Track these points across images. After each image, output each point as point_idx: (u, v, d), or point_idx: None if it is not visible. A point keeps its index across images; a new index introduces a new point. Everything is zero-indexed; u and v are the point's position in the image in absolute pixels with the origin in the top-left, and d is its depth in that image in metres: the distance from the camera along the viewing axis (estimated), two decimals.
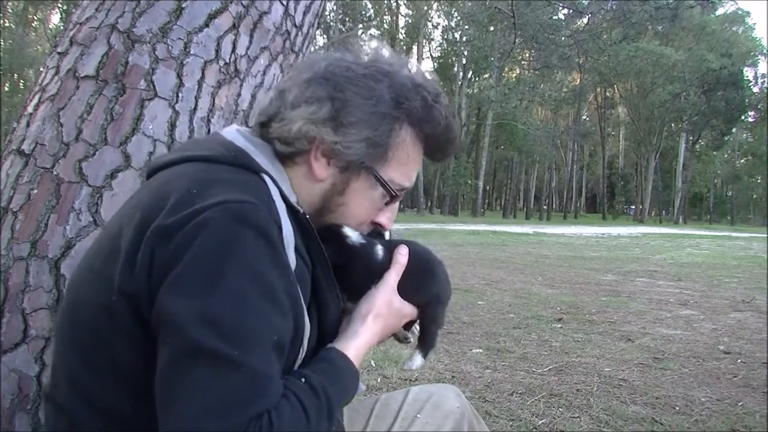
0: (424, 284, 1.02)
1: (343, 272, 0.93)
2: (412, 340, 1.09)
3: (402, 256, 0.97)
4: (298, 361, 0.85)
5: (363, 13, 47.28)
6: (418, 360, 1.05)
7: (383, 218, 0.99)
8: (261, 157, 0.90)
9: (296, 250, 0.84)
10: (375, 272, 0.97)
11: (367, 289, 0.96)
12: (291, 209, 0.87)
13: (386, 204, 0.98)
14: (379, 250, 0.97)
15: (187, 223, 0.75)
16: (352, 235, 0.95)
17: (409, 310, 0.99)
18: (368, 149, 0.90)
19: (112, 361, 0.80)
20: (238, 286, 0.73)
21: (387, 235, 1.09)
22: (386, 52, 0.96)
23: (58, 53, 1.46)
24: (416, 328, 1.08)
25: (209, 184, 0.80)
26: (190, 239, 0.74)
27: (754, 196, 66.57)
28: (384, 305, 0.95)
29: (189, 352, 0.70)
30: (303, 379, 0.79)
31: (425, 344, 1.06)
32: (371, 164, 0.92)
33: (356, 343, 0.91)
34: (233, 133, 0.94)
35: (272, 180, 0.87)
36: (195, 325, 0.71)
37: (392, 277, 0.96)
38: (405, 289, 0.98)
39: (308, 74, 0.91)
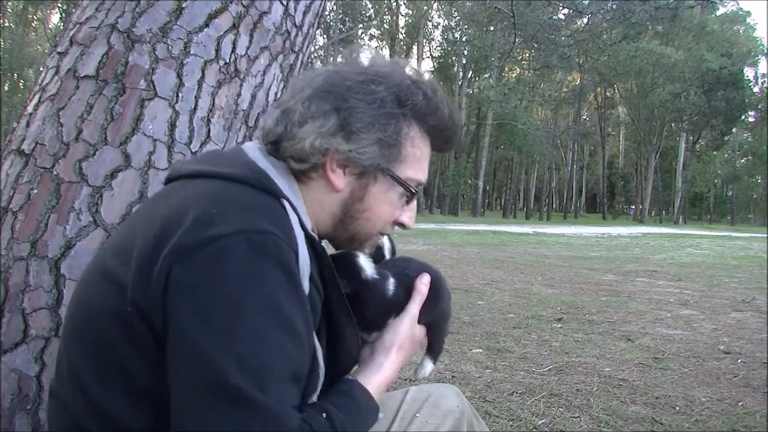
0: (433, 305, 1.04)
1: (354, 303, 0.94)
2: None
3: (424, 285, 1.00)
4: (318, 385, 0.87)
5: (363, 13, 47.28)
6: (429, 366, 1.09)
7: (405, 218, 1.00)
8: (281, 180, 0.90)
9: (310, 278, 0.85)
10: (386, 307, 0.98)
11: (378, 320, 0.98)
12: (307, 236, 0.87)
13: (406, 203, 0.99)
14: (390, 285, 0.99)
15: (206, 246, 0.75)
16: (367, 268, 0.97)
17: (424, 333, 1.03)
18: (382, 151, 0.91)
19: (119, 367, 0.80)
20: (260, 321, 0.74)
21: (386, 249, 1.11)
22: (377, 56, 0.98)
23: (58, 53, 1.46)
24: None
25: (230, 206, 0.81)
26: (210, 266, 0.74)
27: (754, 196, 66.58)
28: (407, 337, 0.98)
29: (210, 386, 0.72)
30: (324, 414, 0.80)
31: (434, 351, 1.10)
32: (387, 165, 0.93)
33: (379, 378, 0.94)
34: (256, 152, 0.94)
35: (291, 206, 0.87)
36: (219, 359, 0.72)
37: (414, 307, 0.99)
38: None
39: (309, 91, 0.92)
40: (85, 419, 0.82)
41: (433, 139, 0.98)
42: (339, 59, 1.00)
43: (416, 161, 0.96)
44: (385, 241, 1.15)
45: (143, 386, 0.79)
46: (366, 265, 0.97)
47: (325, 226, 0.94)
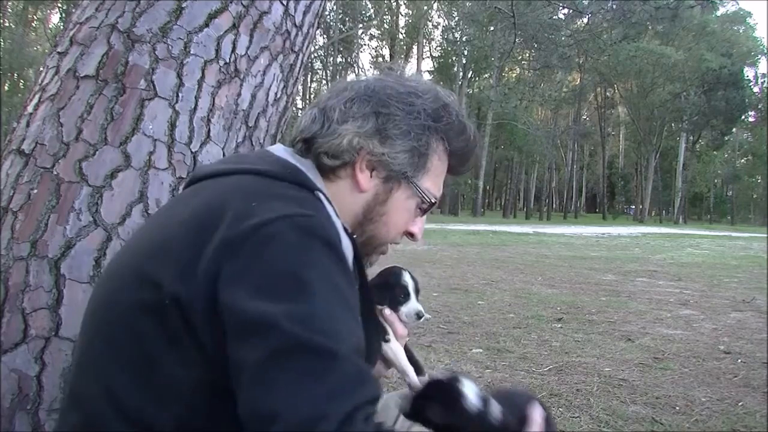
0: None
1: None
2: None
3: (539, 417, 0.93)
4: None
5: (363, 13, 47.28)
6: None
7: (415, 228, 1.04)
8: (312, 175, 0.92)
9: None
10: None
11: None
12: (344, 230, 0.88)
13: (421, 213, 1.03)
14: (496, 410, 0.89)
15: (253, 234, 0.75)
16: (471, 395, 0.88)
17: None
18: (411, 159, 0.96)
19: (148, 361, 0.79)
20: (323, 292, 0.74)
21: (411, 288, 1.12)
22: (418, 75, 1.04)
23: (58, 53, 1.46)
24: None
25: (269, 197, 0.81)
26: (260, 250, 0.74)
27: (754, 196, 66.52)
28: None
29: (287, 349, 0.69)
30: None
31: None
32: (412, 174, 0.97)
33: None
34: (282, 152, 0.96)
35: (326, 198, 0.89)
36: (289, 324, 0.69)
37: None
38: None
39: (350, 93, 0.96)
40: (106, 418, 0.80)
41: (452, 159, 1.03)
42: (384, 70, 1.05)
43: (436, 176, 1.01)
44: (408, 280, 1.17)
45: (171, 381, 0.78)
46: (470, 392, 0.88)
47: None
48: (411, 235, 1.04)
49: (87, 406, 0.83)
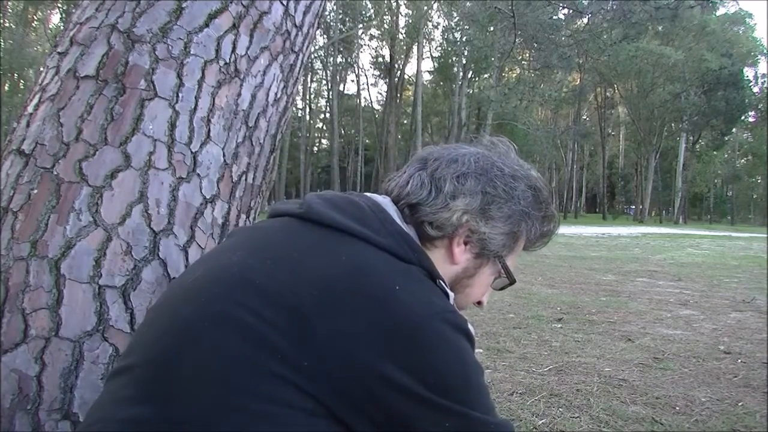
0: None
1: None
2: None
3: None
4: None
5: (363, 13, 47.29)
6: None
7: (485, 298, 1.07)
8: (417, 241, 0.93)
9: None
10: None
11: None
12: None
13: (496, 288, 1.07)
14: None
15: (412, 328, 0.76)
16: None
17: None
18: (506, 242, 0.99)
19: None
20: (482, 383, 0.82)
21: None
22: (512, 151, 1.05)
23: (58, 53, 1.46)
24: None
25: (410, 283, 0.81)
26: (422, 348, 0.76)
27: (754, 196, 66.50)
28: None
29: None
30: None
31: None
32: (503, 254, 1.00)
33: None
34: (395, 215, 0.93)
35: (444, 284, 0.90)
36: (474, 414, 0.77)
37: None
38: None
39: (462, 168, 0.97)
40: None
41: (528, 241, 1.05)
42: (488, 144, 1.05)
43: (516, 255, 1.05)
44: None
45: None
46: None
47: None
48: (479, 304, 1.07)
49: None
